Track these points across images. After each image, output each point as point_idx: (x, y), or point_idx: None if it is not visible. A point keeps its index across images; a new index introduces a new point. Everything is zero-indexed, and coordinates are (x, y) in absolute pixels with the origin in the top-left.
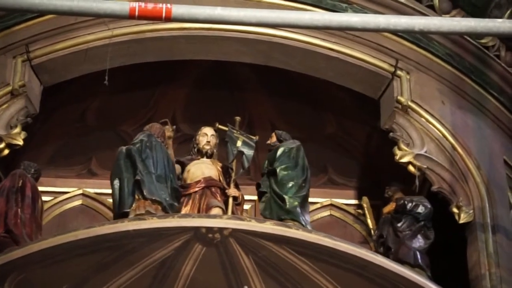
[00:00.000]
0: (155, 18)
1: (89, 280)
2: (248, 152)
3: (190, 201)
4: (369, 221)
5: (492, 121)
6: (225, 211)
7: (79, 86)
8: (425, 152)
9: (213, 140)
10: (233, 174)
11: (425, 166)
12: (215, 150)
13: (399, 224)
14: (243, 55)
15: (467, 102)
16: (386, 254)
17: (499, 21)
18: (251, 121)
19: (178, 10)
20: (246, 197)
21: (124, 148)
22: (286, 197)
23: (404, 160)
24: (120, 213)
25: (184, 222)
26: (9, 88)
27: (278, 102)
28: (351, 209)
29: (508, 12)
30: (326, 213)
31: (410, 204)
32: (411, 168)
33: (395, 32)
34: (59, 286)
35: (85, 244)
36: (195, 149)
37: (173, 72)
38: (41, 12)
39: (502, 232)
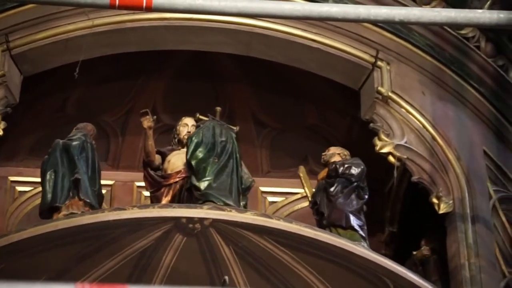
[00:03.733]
0: (136, 8)
1: (69, 270)
2: None
3: (171, 191)
4: (306, 190)
5: (472, 112)
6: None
7: (59, 76)
8: (405, 142)
9: (194, 131)
10: None
11: (405, 157)
12: None
13: (331, 189)
14: (224, 45)
15: (447, 93)
16: (320, 220)
17: (479, 11)
18: (232, 112)
19: (158, 0)
20: None
21: (61, 141)
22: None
23: (384, 150)
24: (50, 207)
25: (165, 212)
26: None
27: (259, 93)
28: None
29: (488, 2)
30: (306, 203)
31: (342, 168)
32: (391, 158)
33: (375, 22)
34: (39, 277)
35: (65, 234)
36: (176, 140)
37: (153, 63)
38: (22, 2)
39: (481, 223)
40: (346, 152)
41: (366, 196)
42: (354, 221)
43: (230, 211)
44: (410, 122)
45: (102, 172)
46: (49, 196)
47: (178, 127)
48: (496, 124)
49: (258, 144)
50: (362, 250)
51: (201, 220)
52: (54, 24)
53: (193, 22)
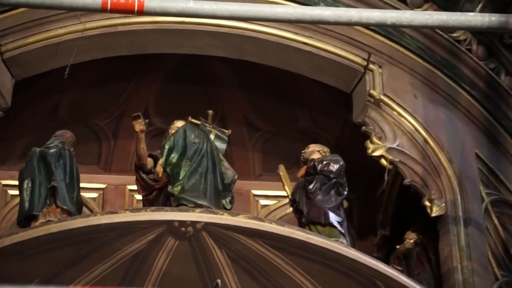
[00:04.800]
0: (128, 11)
1: (61, 274)
2: (221, 145)
3: (162, 195)
4: (286, 189)
5: (464, 114)
6: None
7: (51, 79)
8: (397, 145)
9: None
10: None
11: (397, 160)
12: None
13: (310, 186)
14: (216, 48)
15: (439, 96)
16: (300, 218)
17: (470, 14)
18: (224, 115)
19: (150, 3)
20: None
21: (37, 149)
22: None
23: (377, 153)
24: (28, 215)
25: (157, 216)
26: None
27: (251, 96)
28: None
29: (480, 5)
30: None
31: (320, 165)
32: (383, 161)
33: (367, 25)
34: (31, 280)
35: (57, 238)
36: None
37: (145, 66)
38: (13, 5)
39: (474, 225)
40: (326, 149)
41: (345, 192)
42: (332, 218)
43: (223, 214)
44: (402, 125)
45: (94, 176)
46: (26, 204)
47: (170, 131)
48: (488, 127)
49: (251, 147)
50: (354, 253)
51: (193, 223)
52: (45, 28)
53: (185, 26)
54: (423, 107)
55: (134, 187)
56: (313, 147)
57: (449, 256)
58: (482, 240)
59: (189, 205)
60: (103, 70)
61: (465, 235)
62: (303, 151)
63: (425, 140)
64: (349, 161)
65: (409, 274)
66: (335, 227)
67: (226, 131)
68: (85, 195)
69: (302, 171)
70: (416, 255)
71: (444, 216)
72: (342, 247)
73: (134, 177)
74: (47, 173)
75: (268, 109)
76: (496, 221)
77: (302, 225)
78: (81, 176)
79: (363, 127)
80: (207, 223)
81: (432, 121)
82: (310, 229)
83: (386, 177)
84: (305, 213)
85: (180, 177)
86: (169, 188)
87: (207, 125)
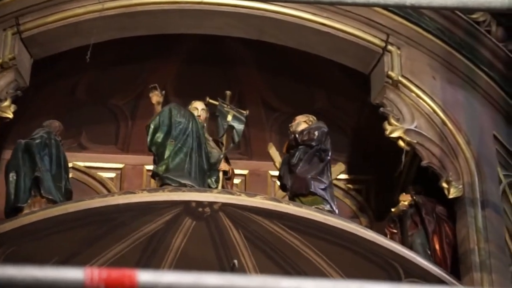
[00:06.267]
0: None
1: (79, 253)
2: (239, 126)
3: None
4: (276, 166)
5: (482, 96)
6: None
7: (69, 59)
8: (415, 127)
9: (204, 114)
10: (223, 149)
11: (415, 141)
12: (205, 124)
13: (293, 159)
14: (235, 29)
15: (458, 78)
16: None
17: None
18: (242, 96)
19: None
20: (236, 171)
21: (23, 141)
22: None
23: (394, 135)
24: (14, 207)
25: (174, 196)
26: None
27: (269, 77)
28: (341, 184)
29: None
30: None
31: (300, 136)
32: (401, 143)
33: (385, 6)
34: (49, 260)
35: (75, 217)
36: None
37: (164, 46)
38: None
39: (491, 207)
40: (312, 118)
41: (328, 157)
42: (314, 186)
43: (240, 195)
44: (420, 107)
45: (112, 156)
46: (12, 197)
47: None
48: (507, 109)
49: (268, 128)
50: (371, 234)
51: (210, 204)
52: (64, 7)
53: (204, 6)
54: (442, 89)
55: (152, 167)
56: (299, 118)
57: (466, 238)
58: (499, 222)
59: (173, 185)
60: (122, 50)
61: (482, 217)
62: (290, 125)
63: (443, 122)
64: (367, 142)
65: (403, 236)
66: (317, 194)
67: (244, 112)
68: (103, 175)
69: (286, 144)
70: (410, 217)
71: (461, 198)
72: (359, 228)
73: (151, 157)
74: (31, 164)
75: (286, 90)
76: None
77: (289, 199)
78: (99, 156)
79: (381, 109)
80: (224, 204)
81: (450, 102)
82: (295, 202)
83: (403, 159)
84: (288, 187)
85: (165, 157)
86: (154, 167)
87: (225, 105)
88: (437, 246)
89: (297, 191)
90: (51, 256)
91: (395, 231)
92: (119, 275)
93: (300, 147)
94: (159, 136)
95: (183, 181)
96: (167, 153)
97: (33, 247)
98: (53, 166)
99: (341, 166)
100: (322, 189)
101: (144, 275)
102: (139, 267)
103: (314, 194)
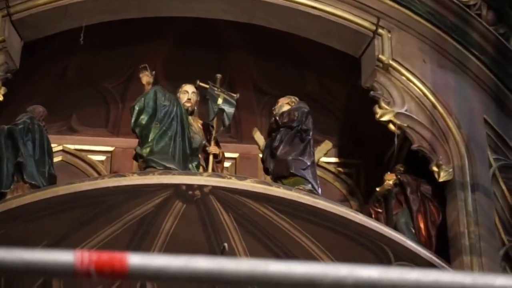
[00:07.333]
0: None
1: (69, 236)
2: (229, 109)
3: None
4: (261, 150)
5: (473, 80)
6: (205, 169)
7: (59, 42)
8: (406, 110)
9: (194, 98)
10: (213, 132)
11: (405, 125)
12: (195, 108)
13: (274, 142)
14: (225, 12)
15: (448, 61)
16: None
17: None
18: (232, 79)
19: None
20: (227, 154)
21: (6, 127)
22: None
23: (385, 118)
24: None
25: (164, 179)
26: None
27: (259, 61)
28: (331, 167)
29: None
30: None
31: (280, 118)
32: (391, 126)
33: None
34: (39, 242)
35: (65, 200)
36: None
37: (155, 29)
38: None
39: (481, 191)
40: (294, 99)
41: (309, 137)
42: (295, 167)
43: (230, 178)
44: (411, 90)
45: (102, 139)
46: None
47: (178, 94)
48: (497, 93)
49: (258, 111)
50: (361, 218)
51: (200, 187)
52: None
53: None
54: (432, 72)
55: None
56: (281, 100)
57: (456, 221)
58: (489, 206)
59: (158, 168)
60: (112, 33)
61: (472, 201)
62: (273, 108)
63: (434, 105)
64: (357, 126)
65: (388, 216)
66: (298, 175)
67: (235, 95)
68: (93, 157)
69: (268, 129)
70: (395, 196)
71: (451, 181)
72: (349, 212)
73: None
74: (14, 150)
75: (276, 73)
76: (503, 187)
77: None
78: (89, 139)
79: (371, 92)
80: (214, 187)
81: (441, 86)
82: None
83: (396, 142)
84: (270, 170)
85: (149, 139)
86: (138, 149)
87: (216, 89)
88: (421, 225)
89: (278, 173)
90: (41, 239)
91: (380, 210)
92: (109, 258)
93: (281, 129)
94: (144, 118)
95: (168, 165)
96: (151, 136)
97: (22, 230)
98: (36, 151)
99: (327, 144)
100: (303, 169)
101: (134, 258)
102: (129, 250)
103: (295, 175)
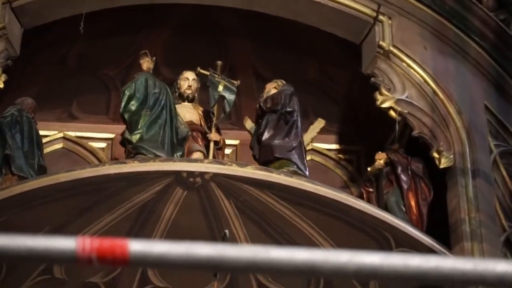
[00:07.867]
0: None
1: (70, 223)
2: (230, 96)
3: None
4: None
5: (473, 66)
6: (206, 156)
7: (60, 29)
8: (406, 97)
9: (195, 85)
10: (214, 119)
11: (406, 111)
12: (196, 95)
13: (260, 129)
14: None
15: (449, 47)
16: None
17: None
18: (233, 66)
19: None
20: (227, 141)
21: None
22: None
23: (385, 105)
24: None
25: (165, 166)
26: None
27: (260, 47)
28: (332, 154)
29: None
30: (308, 157)
31: (264, 104)
32: (392, 113)
33: None
34: (40, 229)
35: (66, 187)
36: (177, 94)
37: (155, 16)
38: None
39: (482, 177)
40: (281, 82)
41: (294, 118)
42: (280, 150)
43: (231, 165)
44: (411, 77)
45: (103, 126)
46: None
47: (179, 81)
48: (497, 79)
49: (259, 98)
50: (362, 204)
51: (201, 174)
52: None
53: None
54: (432, 59)
55: None
56: (268, 86)
57: (457, 207)
58: (490, 192)
59: (148, 155)
60: (113, 20)
61: (473, 187)
62: (261, 95)
63: (434, 92)
64: (358, 112)
65: (379, 195)
66: (283, 158)
67: (235, 82)
68: (94, 145)
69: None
70: (386, 175)
71: (452, 167)
72: (349, 198)
73: None
74: (2, 142)
75: (277, 60)
76: (504, 173)
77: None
78: (90, 126)
79: (372, 79)
80: (215, 174)
81: (441, 72)
82: None
83: (397, 128)
84: (257, 157)
85: (139, 126)
86: (126, 134)
87: (216, 75)
88: (412, 203)
89: (264, 159)
90: (42, 226)
91: (371, 190)
92: (111, 245)
93: (266, 115)
94: (134, 104)
95: (158, 153)
96: (141, 123)
97: (24, 217)
98: (25, 143)
99: (320, 122)
100: (289, 151)
101: (135, 245)
102: (130, 236)
103: (280, 158)
